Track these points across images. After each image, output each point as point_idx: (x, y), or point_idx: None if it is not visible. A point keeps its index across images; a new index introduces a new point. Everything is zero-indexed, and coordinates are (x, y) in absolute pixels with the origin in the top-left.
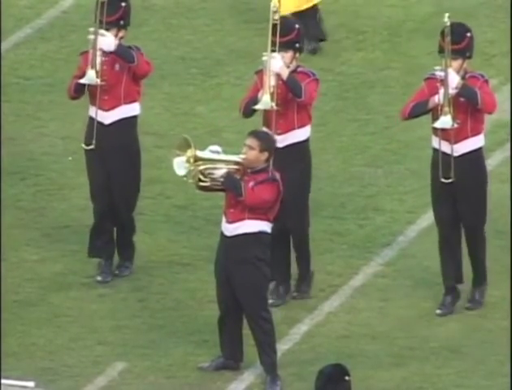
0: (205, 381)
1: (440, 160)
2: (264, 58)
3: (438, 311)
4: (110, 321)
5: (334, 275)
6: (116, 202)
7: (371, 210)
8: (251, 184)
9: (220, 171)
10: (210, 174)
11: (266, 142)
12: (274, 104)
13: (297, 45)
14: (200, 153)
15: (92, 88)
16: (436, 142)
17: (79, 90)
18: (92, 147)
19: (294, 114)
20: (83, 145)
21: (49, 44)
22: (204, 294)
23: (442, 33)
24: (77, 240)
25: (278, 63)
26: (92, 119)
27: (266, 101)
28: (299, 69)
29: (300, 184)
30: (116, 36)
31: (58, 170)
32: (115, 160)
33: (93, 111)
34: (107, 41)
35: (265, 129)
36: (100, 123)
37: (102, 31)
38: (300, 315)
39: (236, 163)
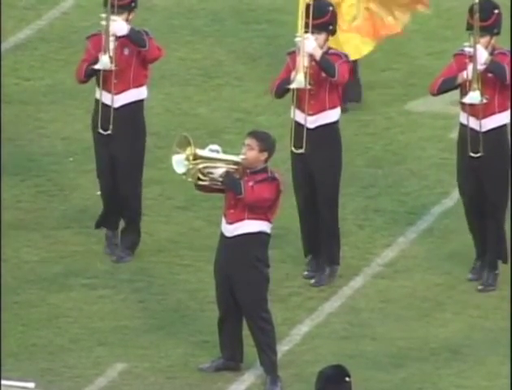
0: (205, 382)
1: (469, 135)
2: (297, 39)
3: (469, 276)
4: (110, 322)
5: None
6: (120, 186)
7: (372, 211)
8: (250, 183)
9: (219, 170)
10: (209, 173)
11: (266, 142)
12: (307, 84)
13: (330, 27)
14: (200, 152)
15: (102, 72)
16: (463, 118)
17: (90, 75)
18: (101, 131)
19: (326, 95)
20: (92, 130)
21: (49, 45)
22: (204, 295)
23: (470, 11)
24: (77, 241)
25: (311, 44)
26: (100, 103)
27: (299, 80)
28: (330, 51)
29: (330, 164)
30: (127, 20)
31: (59, 171)
32: (122, 143)
33: (101, 95)
34: (120, 25)
35: (297, 111)
36: (109, 107)
37: (113, 16)
38: (300, 316)
39: (236, 163)
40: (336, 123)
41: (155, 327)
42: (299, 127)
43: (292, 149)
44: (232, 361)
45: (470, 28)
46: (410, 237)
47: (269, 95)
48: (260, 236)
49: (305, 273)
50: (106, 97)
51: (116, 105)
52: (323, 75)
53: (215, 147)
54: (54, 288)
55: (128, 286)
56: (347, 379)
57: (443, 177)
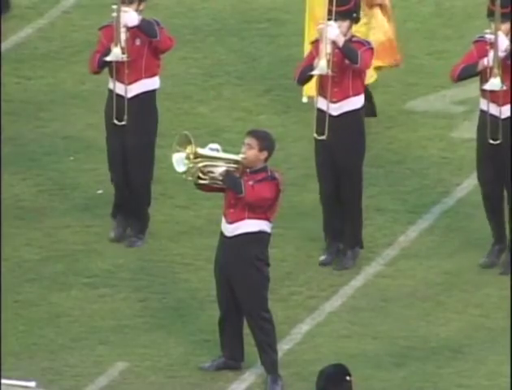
0: (206, 381)
1: (489, 122)
2: (320, 26)
3: (482, 260)
4: (111, 321)
5: (335, 275)
6: (131, 174)
7: (373, 210)
8: (250, 182)
9: (220, 169)
10: (209, 172)
11: (266, 141)
12: (330, 70)
13: (354, 15)
14: (200, 150)
15: (114, 63)
16: (484, 104)
17: (103, 65)
18: (115, 121)
19: (349, 82)
20: (106, 120)
21: (50, 44)
22: (205, 294)
23: None
24: (78, 240)
25: (334, 31)
26: (113, 93)
27: (322, 67)
28: (354, 38)
29: (354, 151)
30: (137, 10)
31: (60, 170)
32: (135, 132)
33: (114, 86)
34: (131, 16)
35: (320, 98)
36: (122, 97)
37: (124, 7)
38: (301, 315)
39: (236, 162)
40: (359, 109)
41: (156, 326)
42: (321, 113)
43: (315, 135)
44: (232, 361)
45: (490, 14)
46: (411, 236)
47: (269, 94)
48: (260, 235)
49: (322, 258)
50: (119, 88)
51: (129, 95)
52: (347, 62)
53: (215, 146)
54: (55, 287)
55: (129, 285)
56: (348, 378)
57: (443, 176)
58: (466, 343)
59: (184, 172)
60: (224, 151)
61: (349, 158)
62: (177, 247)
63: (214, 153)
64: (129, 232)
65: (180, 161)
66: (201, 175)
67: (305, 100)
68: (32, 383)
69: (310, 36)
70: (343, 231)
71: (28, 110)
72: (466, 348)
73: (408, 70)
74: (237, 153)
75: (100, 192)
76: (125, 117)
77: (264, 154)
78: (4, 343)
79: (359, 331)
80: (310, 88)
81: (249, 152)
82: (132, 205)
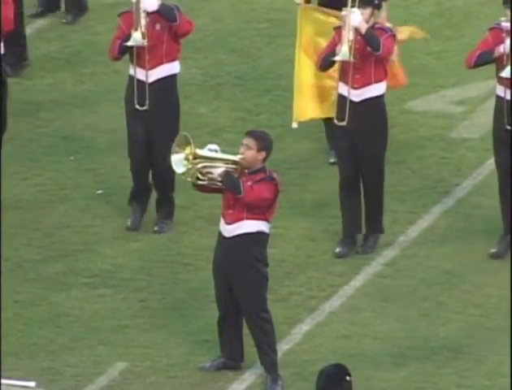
0: (206, 381)
1: (505, 108)
2: (343, 13)
3: (492, 250)
4: (111, 321)
5: (335, 275)
6: (156, 160)
7: None
8: (249, 183)
9: (218, 170)
10: (208, 172)
11: (264, 142)
12: (352, 57)
13: (376, 1)
14: (199, 151)
15: (135, 48)
16: (500, 91)
17: (123, 51)
18: (137, 107)
19: (371, 69)
20: (127, 106)
21: (50, 44)
22: (205, 294)
23: None
24: (78, 240)
25: (357, 18)
26: (133, 79)
27: (344, 53)
28: (376, 25)
29: (377, 138)
30: None
31: (60, 170)
32: (157, 117)
33: (135, 71)
34: (150, 1)
35: (341, 84)
36: (143, 82)
37: None
38: (301, 315)
39: (234, 162)
40: (381, 96)
41: (156, 326)
42: (342, 99)
43: (335, 121)
44: (232, 361)
45: (506, 2)
46: (411, 236)
47: (269, 94)
48: (259, 235)
49: (338, 250)
50: (140, 73)
51: (150, 80)
52: (369, 49)
53: (214, 146)
54: (55, 287)
55: (129, 285)
56: (348, 378)
57: (444, 176)
58: (466, 343)
59: (183, 173)
60: (223, 151)
61: (370, 144)
62: (177, 247)
63: (213, 154)
64: (154, 219)
65: (178, 162)
66: (200, 175)
67: (295, 125)
68: (32, 383)
69: (299, 65)
70: (361, 219)
71: (28, 110)
72: (466, 348)
73: (408, 70)
74: (237, 153)
75: (100, 192)
76: (147, 102)
77: (262, 155)
78: (4, 343)
79: (359, 331)
80: (301, 114)
81: (248, 152)
82: (157, 191)
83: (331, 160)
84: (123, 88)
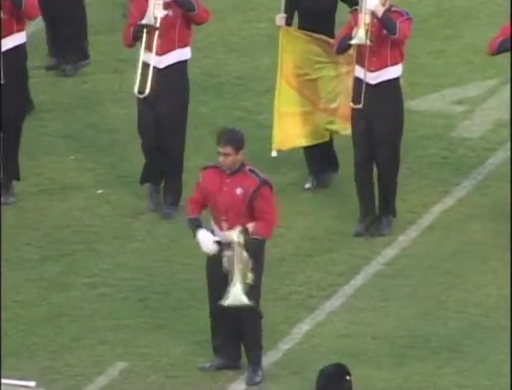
0: (206, 381)
1: None
2: None
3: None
4: (111, 321)
5: (335, 275)
6: (167, 143)
7: None
8: (239, 191)
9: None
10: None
11: (239, 142)
12: (368, 40)
13: None
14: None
15: (146, 35)
16: None
17: (137, 37)
18: (146, 95)
19: (387, 52)
20: (136, 93)
21: None
22: (205, 294)
23: None
24: (78, 240)
25: (373, 1)
26: (145, 64)
27: (360, 36)
28: (393, 8)
29: (393, 120)
30: None
31: (60, 169)
32: (168, 102)
33: (147, 57)
34: None
35: (357, 67)
36: (154, 67)
37: None
38: (301, 315)
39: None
40: (397, 79)
41: (156, 326)
42: (359, 82)
43: (351, 104)
44: (231, 360)
45: None
46: (411, 236)
47: (269, 94)
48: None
49: (358, 229)
50: (151, 59)
51: (161, 65)
52: (385, 32)
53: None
54: (55, 287)
55: (129, 285)
56: (348, 377)
57: (444, 176)
58: (466, 342)
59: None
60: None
61: (386, 126)
62: (177, 247)
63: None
64: (161, 204)
65: (238, 294)
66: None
67: (274, 154)
68: (32, 383)
69: (280, 93)
70: (375, 201)
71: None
72: (466, 347)
73: (408, 70)
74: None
75: (100, 192)
76: (158, 87)
77: (241, 154)
78: (4, 343)
79: (359, 331)
80: (281, 143)
81: (227, 160)
82: (166, 177)
83: (307, 185)
84: (123, 88)
